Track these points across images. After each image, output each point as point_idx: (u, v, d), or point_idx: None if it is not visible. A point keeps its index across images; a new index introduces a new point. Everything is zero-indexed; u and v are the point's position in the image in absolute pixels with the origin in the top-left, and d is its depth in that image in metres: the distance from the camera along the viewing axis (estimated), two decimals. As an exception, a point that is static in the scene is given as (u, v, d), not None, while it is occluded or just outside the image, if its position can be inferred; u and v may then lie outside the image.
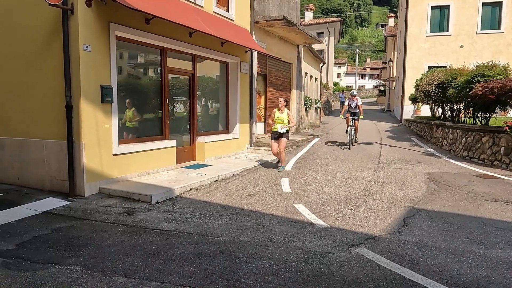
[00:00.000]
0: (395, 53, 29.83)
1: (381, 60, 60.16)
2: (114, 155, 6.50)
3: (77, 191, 6.05)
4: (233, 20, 10.06)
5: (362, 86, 76.38)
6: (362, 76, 78.50)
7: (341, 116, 12.66)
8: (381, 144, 12.81)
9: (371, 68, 74.24)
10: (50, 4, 5.44)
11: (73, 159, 5.98)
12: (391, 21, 40.57)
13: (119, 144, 6.63)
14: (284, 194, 6.41)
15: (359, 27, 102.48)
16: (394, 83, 29.70)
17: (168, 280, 3.31)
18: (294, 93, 15.39)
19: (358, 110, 11.83)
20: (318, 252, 3.96)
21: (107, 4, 6.13)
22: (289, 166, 8.80)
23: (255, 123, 11.82)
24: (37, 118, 6.45)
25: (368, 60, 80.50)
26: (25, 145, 6.61)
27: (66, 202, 5.75)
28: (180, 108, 8.84)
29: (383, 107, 37.60)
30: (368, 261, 3.73)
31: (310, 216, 5.21)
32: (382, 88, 47.59)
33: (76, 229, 4.63)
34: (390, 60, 32.71)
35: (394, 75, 29.52)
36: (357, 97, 11.99)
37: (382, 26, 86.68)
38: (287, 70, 14.79)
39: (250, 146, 11.17)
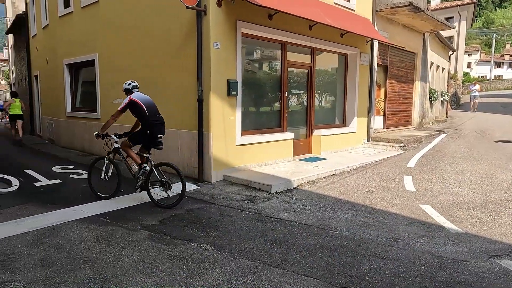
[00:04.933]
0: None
1: (526, 45, 51.37)
2: (237, 145, 6.92)
3: (205, 178, 6.62)
4: (353, 10, 9.72)
5: (499, 76, 66.39)
6: (499, 65, 68.28)
7: None
8: (526, 143, 10.97)
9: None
10: (187, 7, 6.01)
11: (202, 148, 6.56)
12: (541, -2, 34.21)
13: (241, 135, 7.03)
14: (408, 193, 6.00)
15: (496, 8, 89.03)
16: (543, 72, 25.10)
17: (291, 268, 3.39)
18: (417, 84, 14.21)
19: None
20: (451, 258, 3.60)
21: (235, 3, 6.49)
22: (411, 164, 8.18)
23: (374, 117, 11.29)
24: (173, 110, 7.21)
25: (508, 46, 69.58)
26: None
27: (196, 187, 6.34)
28: (297, 101, 8.95)
29: (526, 100, 32.15)
30: (515, 275, 3.25)
31: (440, 219, 4.77)
32: (526, 77, 40.68)
33: (206, 212, 5.08)
34: (539, 45, 27.68)
35: (544, 62, 24.91)
36: None
37: (528, 5, 73.82)
38: (411, 60, 13.71)
39: (368, 141, 10.72)
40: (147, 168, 5.36)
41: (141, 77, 7.87)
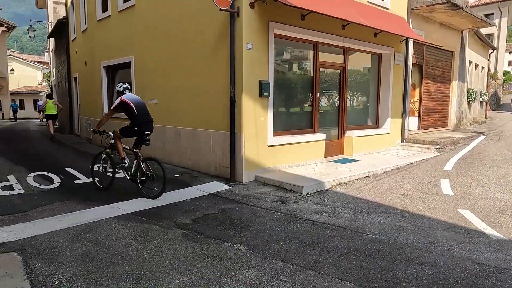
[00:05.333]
0: None
1: None
2: (268, 146, 6.93)
3: (236, 178, 6.67)
4: (388, 9, 9.50)
5: (543, 74, 62.68)
6: (543, 63, 64.50)
7: None
8: None
9: (558, 53, 60.21)
10: (220, 9, 6.08)
11: (234, 149, 6.61)
12: None
13: (273, 136, 7.03)
14: (445, 197, 5.79)
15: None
16: None
17: (324, 271, 3.36)
18: (454, 84, 13.70)
19: None
20: (494, 266, 3.45)
21: (268, 4, 6.50)
22: (448, 166, 7.90)
23: (408, 118, 10.98)
24: (206, 112, 7.33)
25: (553, 43, 65.59)
26: (196, 135, 7.61)
27: (227, 187, 6.40)
28: (329, 102, 8.85)
29: None
30: None
31: (480, 225, 4.58)
32: None
33: (238, 212, 5.11)
34: None
35: None
36: None
37: None
38: (448, 59, 13.24)
39: (402, 142, 10.44)
40: (126, 163, 5.89)
41: (174, 78, 8.06)
